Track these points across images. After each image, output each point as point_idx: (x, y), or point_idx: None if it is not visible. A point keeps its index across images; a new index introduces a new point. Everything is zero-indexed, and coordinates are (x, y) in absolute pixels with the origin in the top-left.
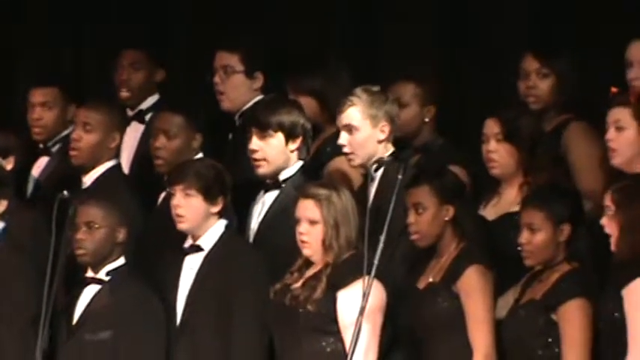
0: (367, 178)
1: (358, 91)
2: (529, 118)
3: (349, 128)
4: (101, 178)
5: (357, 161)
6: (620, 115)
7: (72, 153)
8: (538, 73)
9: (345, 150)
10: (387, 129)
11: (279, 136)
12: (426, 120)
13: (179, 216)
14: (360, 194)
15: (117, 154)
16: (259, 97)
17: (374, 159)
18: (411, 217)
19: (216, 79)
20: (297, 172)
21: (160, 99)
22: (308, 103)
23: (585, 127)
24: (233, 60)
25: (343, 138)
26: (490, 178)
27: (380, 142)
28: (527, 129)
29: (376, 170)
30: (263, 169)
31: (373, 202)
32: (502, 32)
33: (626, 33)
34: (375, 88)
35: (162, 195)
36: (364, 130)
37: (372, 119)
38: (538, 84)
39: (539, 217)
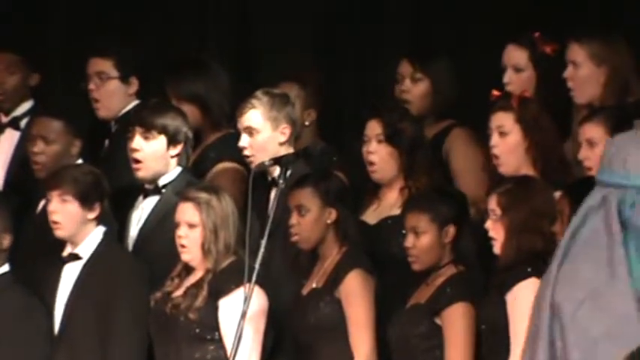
0: (250, 182)
1: (259, 93)
2: (411, 122)
3: (250, 131)
4: None
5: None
6: (502, 120)
7: None
8: (412, 78)
9: (246, 153)
10: (287, 131)
11: (162, 139)
12: (307, 123)
13: (55, 222)
14: (244, 199)
15: None
16: (135, 103)
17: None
18: (293, 219)
19: (91, 85)
20: (177, 177)
21: (34, 104)
22: (189, 109)
23: (467, 132)
24: (107, 66)
25: (244, 140)
26: (368, 183)
27: (281, 144)
28: (408, 132)
29: (279, 176)
30: (142, 173)
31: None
32: (383, 35)
33: (505, 36)
34: (276, 91)
35: (42, 202)
36: (265, 133)
37: (272, 121)
38: (411, 88)
39: (423, 219)
